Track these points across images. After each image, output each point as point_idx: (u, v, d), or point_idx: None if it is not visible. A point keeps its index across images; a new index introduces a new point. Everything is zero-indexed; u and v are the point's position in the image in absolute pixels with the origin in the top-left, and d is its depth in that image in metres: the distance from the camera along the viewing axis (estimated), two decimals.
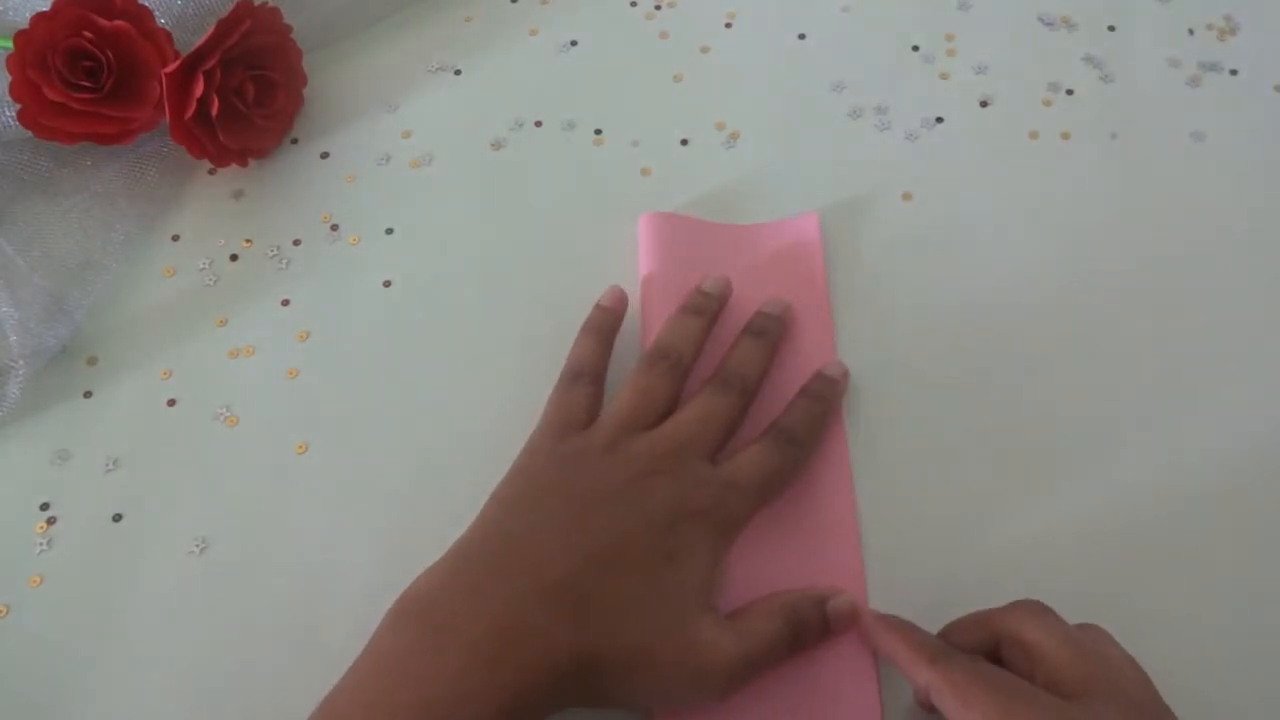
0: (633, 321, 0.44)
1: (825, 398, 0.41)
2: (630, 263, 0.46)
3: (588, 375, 0.40)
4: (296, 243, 0.48)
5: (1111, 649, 0.32)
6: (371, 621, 0.34)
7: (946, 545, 0.39)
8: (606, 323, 0.42)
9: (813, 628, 0.36)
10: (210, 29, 0.45)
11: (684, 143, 0.50)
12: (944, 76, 0.51)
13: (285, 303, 0.46)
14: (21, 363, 0.42)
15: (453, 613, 0.33)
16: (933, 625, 0.36)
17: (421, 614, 0.34)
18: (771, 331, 0.42)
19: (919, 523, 0.40)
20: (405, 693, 0.32)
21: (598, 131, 0.50)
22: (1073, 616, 0.34)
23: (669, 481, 0.36)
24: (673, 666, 0.34)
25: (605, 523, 0.35)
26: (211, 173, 0.50)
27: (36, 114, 0.45)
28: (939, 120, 0.50)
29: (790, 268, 0.45)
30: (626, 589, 0.34)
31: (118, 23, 0.45)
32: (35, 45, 0.44)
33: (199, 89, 0.45)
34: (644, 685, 0.34)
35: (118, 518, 0.41)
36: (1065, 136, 0.49)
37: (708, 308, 0.42)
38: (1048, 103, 0.50)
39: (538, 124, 0.51)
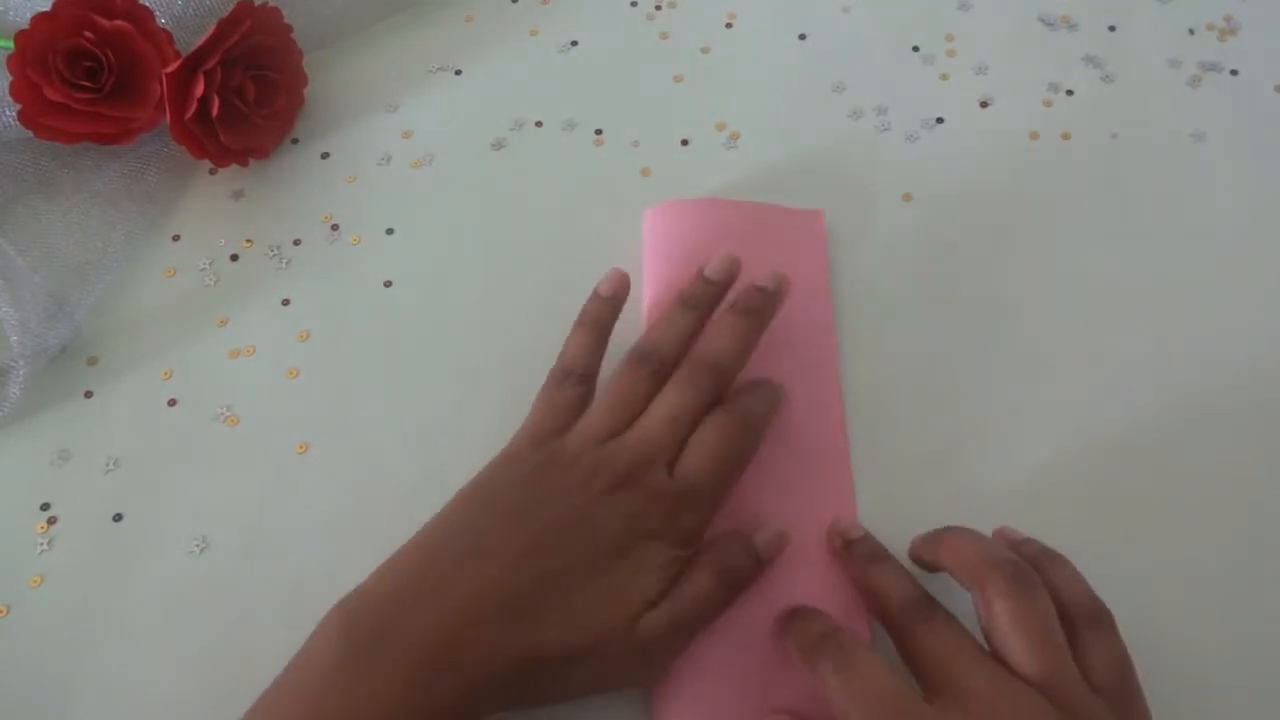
0: (635, 315, 0.44)
1: (770, 399, 0.40)
2: (631, 262, 0.46)
3: (577, 375, 0.39)
4: (297, 243, 0.48)
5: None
6: None
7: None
8: (603, 315, 0.41)
9: (744, 569, 0.37)
10: (210, 29, 0.45)
11: (684, 143, 0.50)
12: (944, 77, 0.51)
13: (285, 303, 0.46)
14: (22, 363, 0.42)
15: (394, 623, 0.33)
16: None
17: (361, 621, 0.33)
18: (763, 310, 0.40)
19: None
20: (331, 705, 0.31)
21: (598, 131, 0.50)
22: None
23: (626, 500, 0.36)
24: (612, 659, 0.34)
25: (561, 542, 0.35)
26: (212, 173, 0.50)
27: (36, 114, 0.45)
28: (939, 120, 0.50)
29: (794, 257, 0.45)
30: (576, 603, 0.34)
31: (118, 23, 0.45)
32: (36, 45, 0.44)
33: (199, 89, 0.45)
34: (581, 677, 0.34)
35: (118, 518, 0.41)
36: (1065, 136, 0.49)
37: (705, 299, 0.40)
38: (1048, 103, 0.50)
39: (538, 124, 0.51)
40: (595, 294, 0.41)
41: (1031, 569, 0.33)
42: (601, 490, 0.36)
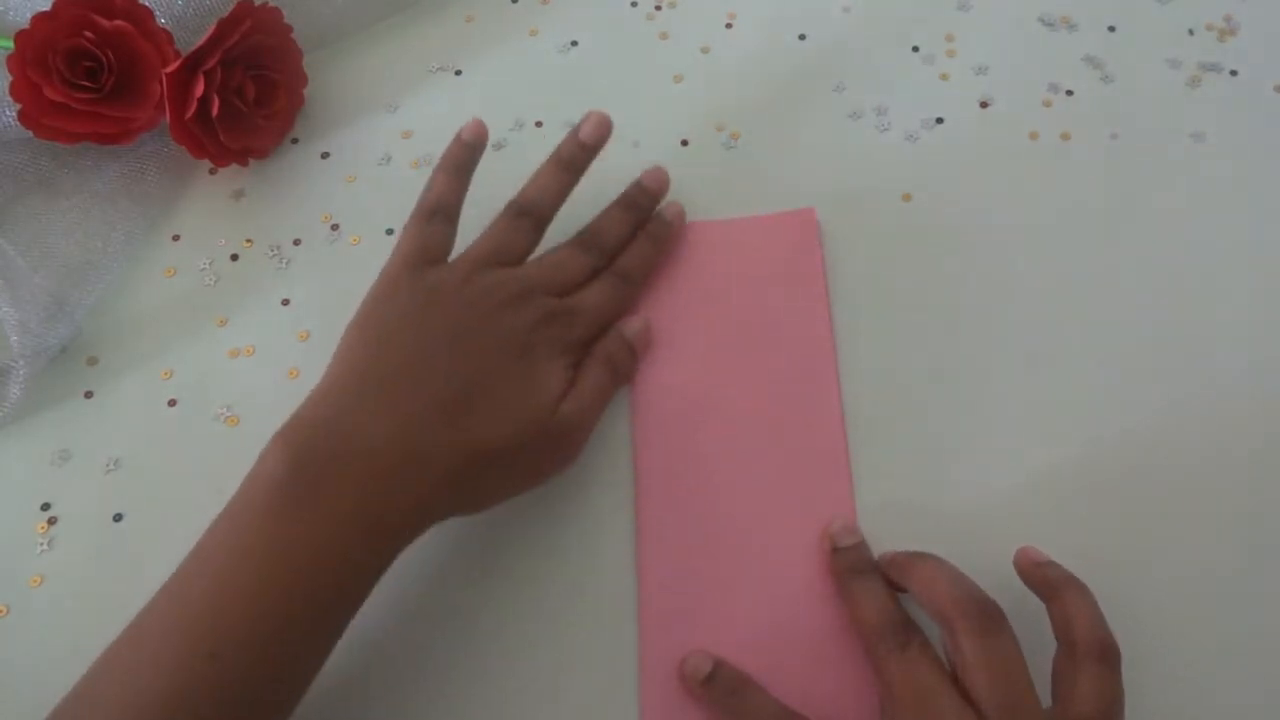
0: None
1: (660, 238, 0.44)
2: None
3: (443, 213, 0.41)
4: (297, 242, 0.48)
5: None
6: (370, 620, 0.34)
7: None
8: (465, 159, 0.43)
9: (626, 360, 0.42)
10: (210, 29, 0.45)
11: (684, 143, 0.50)
12: (944, 77, 0.51)
13: (285, 303, 0.46)
14: (22, 363, 0.42)
15: (345, 444, 0.34)
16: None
17: (312, 444, 0.34)
18: (643, 207, 0.44)
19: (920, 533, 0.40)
20: (287, 523, 0.33)
21: None
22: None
23: (521, 313, 0.39)
24: (537, 447, 0.38)
25: (470, 347, 0.38)
26: (212, 173, 0.50)
27: (37, 114, 0.45)
28: (939, 120, 0.50)
29: (788, 260, 0.45)
30: (500, 400, 0.37)
31: (118, 23, 0.45)
32: (36, 45, 0.44)
33: (199, 89, 0.45)
34: (515, 468, 0.38)
35: (118, 518, 0.41)
36: (1065, 137, 0.49)
37: (579, 160, 0.43)
38: (1048, 103, 0.50)
39: (538, 124, 0.51)
40: (457, 139, 0.43)
41: (998, 608, 0.33)
42: (498, 305, 0.39)
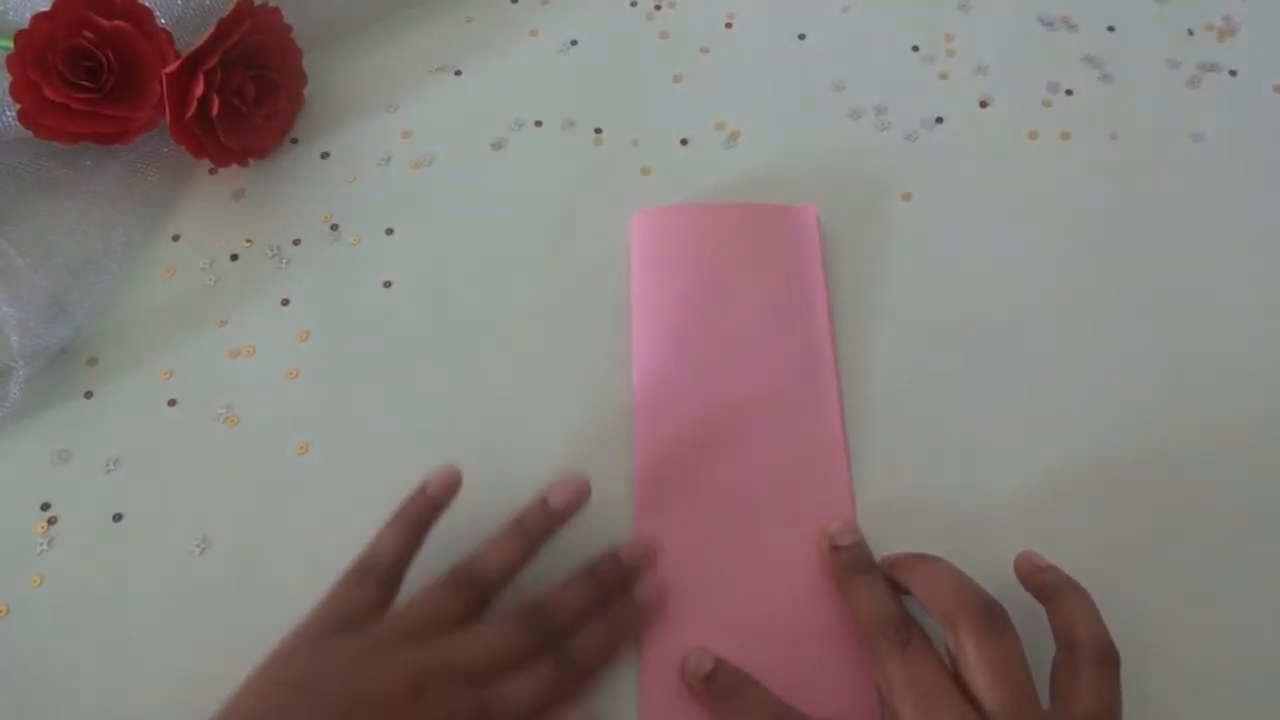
0: (624, 329, 0.44)
1: (626, 624, 0.37)
2: (627, 261, 0.46)
3: (381, 572, 0.36)
4: (297, 243, 0.48)
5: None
6: None
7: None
8: (423, 515, 0.37)
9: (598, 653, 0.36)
10: (210, 29, 0.45)
11: (684, 143, 0.50)
12: (944, 76, 0.51)
13: (285, 303, 0.46)
14: (22, 363, 0.42)
15: None
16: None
17: None
18: (613, 583, 0.38)
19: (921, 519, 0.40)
20: None
21: (598, 131, 0.50)
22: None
23: (420, 712, 0.33)
24: None
25: None
26: (212, 173, 0.50)
27: (36, 114, 0.45)
28: (939, 120, 0.50)
29: (788, 255, 0.45)
30: None
31: (118, 23, 0.45)
32: (36, 45, 0.44)
33: (199, 89, 0.45)
34: None
35: (118, 518, 0.41)
36: (1065, 136, 0.49)
37: (541, 527, 0.37)
38: (1048, 103, 0.50)
39: (538, 124, 0.51)
40: (421, 490, 0.38)
41: (1002, 608, 0.33)
42: (398, 692, 0.33)
